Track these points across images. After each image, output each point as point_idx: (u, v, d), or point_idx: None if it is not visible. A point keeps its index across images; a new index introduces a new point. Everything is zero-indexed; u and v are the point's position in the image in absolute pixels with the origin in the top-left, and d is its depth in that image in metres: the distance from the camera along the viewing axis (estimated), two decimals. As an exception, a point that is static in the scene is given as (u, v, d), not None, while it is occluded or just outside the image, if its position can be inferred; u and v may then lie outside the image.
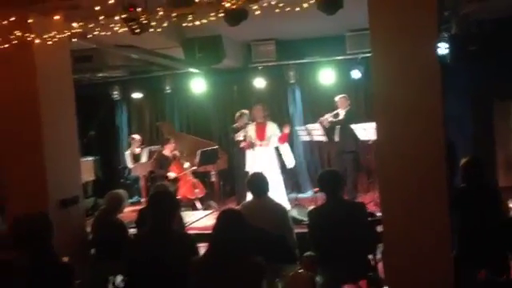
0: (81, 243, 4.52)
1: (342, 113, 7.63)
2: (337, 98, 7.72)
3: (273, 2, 3.40)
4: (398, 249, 3.51)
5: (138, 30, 4.02)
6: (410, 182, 3.43)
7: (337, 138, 7.57)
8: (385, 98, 3.47)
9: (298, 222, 5.11)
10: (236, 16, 4.03)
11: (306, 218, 5.49)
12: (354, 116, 7.65)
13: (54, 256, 2.74)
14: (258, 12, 3.53)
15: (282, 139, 7.10)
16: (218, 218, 2.66)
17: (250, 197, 6.44)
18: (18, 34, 4.03)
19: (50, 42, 4.01)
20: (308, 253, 2.97)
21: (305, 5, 3.46)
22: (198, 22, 3.74)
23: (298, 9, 3.57)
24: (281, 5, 3.48)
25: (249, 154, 7.20)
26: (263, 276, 2.62)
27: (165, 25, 3.84)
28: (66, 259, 3.18)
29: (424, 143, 3.38)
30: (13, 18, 4.08)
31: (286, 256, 3.62)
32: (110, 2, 3.82)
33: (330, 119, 7.48)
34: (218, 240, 2.59)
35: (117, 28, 3.98)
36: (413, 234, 3.46)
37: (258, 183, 4.06)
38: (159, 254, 2.80)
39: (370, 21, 3.45)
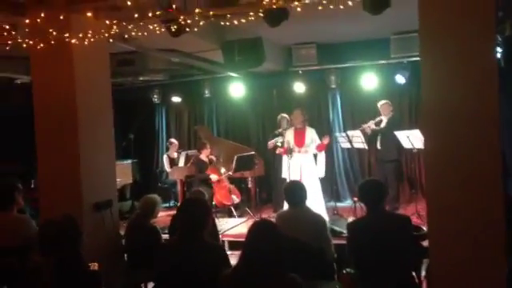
0: (114, 248, 4.46)
1: (384, 120, 7.34)
2: (379, 104, 7.43)
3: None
4: (445, 267, 3.22)
5: (176, 31, 3.93)
6: (462, 194, 3.13)
7: (378, 146, 7.27)
8: (435, 104, 3.19)
9: (336, 233, 4.87)
10: (276, 16, 3.88)
11: (345, 230, 5.29)
12: (398, 123, 7.38)
13: (82, 262, 2.64)
14: (299, 9, 3.31)
15: (320, 148, 6.87)
16: (250, 230, 2.48)
17: (286, 205, 6.39)
18: (57, 34, 4.01)
19: (86, 42, 3.97)
20: (348, 269, 2.73)
21: (350, 2, 3.23)
22: (236, 22, 3.58)
23: (341, 7, 3.34)
24: (324, 2, 3.26)
25: (285, 160, 7.01)
26: (299, 293, 2.42)
27: (201, 24, 3.71)
28: (95, 265, 3.09)
29: (478, 152, 3.09)
30: (52, 18, 4.08)
31: (324, 271, 3.40)
32: (148, 4, 3.76)
33: (373, 127, 7.19)
34: (250, 253, 2.41)
35: (153, 28, 3.88)
36: (463, 251, 3.16)
37: (295, 192, 3.86)
38: (186, 263, 2.65)
39: (420, 21, 3.19)
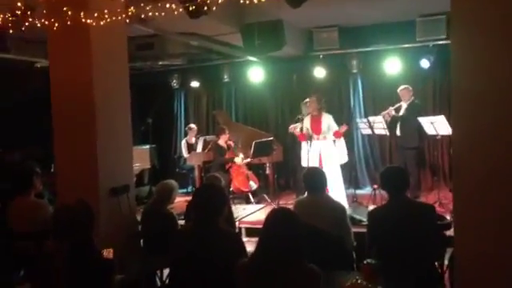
0: (130, 233, 4.43)
1: (404, 105, 7.14)
2: (399, 90, 7.22)
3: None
4: (470, 258, 3.06)
5: (194, 12, 3.82)
6: (489, 183, 2.96)
7: (398, 133, 7.07)
8: (465, 89, 3.00)
9: (356, 222, 4.76)
10: (297, -4, 3.72)
11: (364, 219, 5.18)
12: (418, 109, 7.17)
13: (94, 249, 2.59)
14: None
15: (337, 135, 6.72)
16: (268, 217, 2.38)
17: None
18: (73, 13, 3.94)
19: (102, 23, 3.88)
20: (368, 260, 2.62)
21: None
22: (256, 1, 3.43)
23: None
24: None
25: (305, 147, 6.88)
26: (318, 285, 2.32)
27: (220, 4, 3.58)
28: (110, 251, 3.05)
29: (507, 141, 2.90)
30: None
31: (344, 261, 3.30)
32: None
33: (392, 113, 7.00)
34: (268, 241, 2.32)
35: (170, 8, 3.77)
36: (489, 243, 3.00)
37: (315, 179, 3.75)
38: (201, 250, 2.58)
39: (452, 3, 3.00)
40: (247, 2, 3.44)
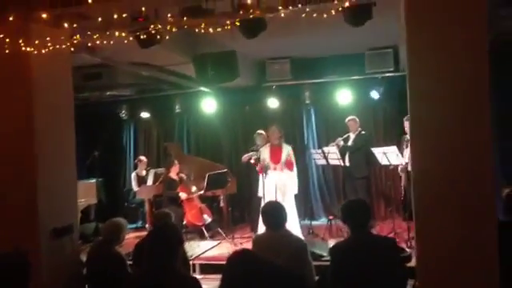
0: (74, 278, 4.04)
1: (351, 136, 7.27)
2: (346, 120, 7.38)
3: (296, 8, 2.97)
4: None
5: (145, 41, 3.65)
6: (453, 214, 2.94)
7: (347, 163, 7.13)
8: (423, 121, 3.00)
9: (316, 256, 4.61)
10: (253, 27, 3.64)
11: (325, 253, 5.08)
12: (367, 139, 7.35)
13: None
14: (282, 14, 3.09)
15: (288, 165, 6.65)
16: (229, 266, 2.17)
17: (261, 223, 6.12)
18: (14, 42, 3.65)
19: (44, 51, 3.61)
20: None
21: (333, 11, 3.03)
22: (211, 30, 3.32)
23: (325, 15, 3.13)
24: (307, 10, 3.06)
25: (261, 178, 6.76)
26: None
27: (173, 34, 3.45)
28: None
29: (470, 170, 2.90)
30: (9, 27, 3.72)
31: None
32: (116, 11, 3.46)
33: (341, 143, 7.08)
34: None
35: (119, 36, 3.58)
36: (454, 277, 2.95)
37: (275, 214, 3.58)
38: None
39: (408, 35, 3.03)
40: (202, 31, 3.28)
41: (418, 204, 3.08)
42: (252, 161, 6.83)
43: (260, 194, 6.80)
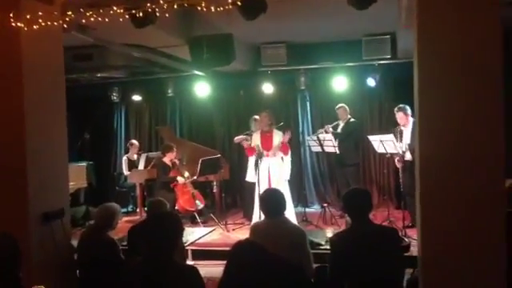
0: (65, 264, 3.93)
1: (341, 124, 7.26)
2: (336, 108, 7.37)
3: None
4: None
5: (141, 20, 3.49)
6: (459, 207, 2.87)
7: (337, 151, 7.07)
8: (431, 107, 2.90)
9: (314, 245, 4.55)
10: (254, 7, 3.50)
11: (322, 241, 5.03)
12: (356, 127, 7.35)
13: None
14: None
15: (284, 149, 6.55)
16: (234, 256, 2.08)
17: (256, 210, 6.08)
18: (4, 17, 3.47)
19: (35, 27, 3.44)
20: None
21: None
22: (213, 8, 3.17)
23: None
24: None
25: (251, 163, 6.67)
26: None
27: (169, 14, 3.29)
28: (41, 289, 2.61)
29: (479, 163, 2.82)
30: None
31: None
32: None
33: (330, 130, 7.03)
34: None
35: (114, 13, 3.42)
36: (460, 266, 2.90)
37: (274, 202, 3.50)
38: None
39: (418, 17, 2.91)
40: (204, 9, 3.13)
41: (422, 191, 3.00)
42: (244, 145, 6.74)
43: (248, 178, 6.74)
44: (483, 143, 2.76)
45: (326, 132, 7.04)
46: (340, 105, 7.34)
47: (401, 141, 6.12)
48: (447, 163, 2.85)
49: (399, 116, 6.26)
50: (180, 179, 7.08)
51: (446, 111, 2.84)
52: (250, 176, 6.79)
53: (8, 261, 2.12)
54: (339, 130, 7.20)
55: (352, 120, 7.31)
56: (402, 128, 6.20)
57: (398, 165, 6.12)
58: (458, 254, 2.85)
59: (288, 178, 6.80)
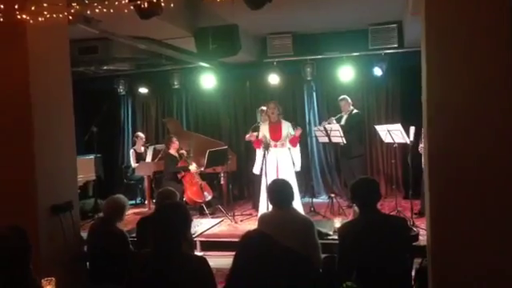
0: (75, 256, 3.96)
1: (344, 116, 7.25)
2: (339, 100, 7.37)
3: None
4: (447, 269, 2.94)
5: (146, 10, 3.47)
6: (470, 200, 2.84)
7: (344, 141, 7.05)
8: (441, 98, 2.87)
9: (322, 236, 4.55)
10: (259, -4, 3.47)
11: (330, 231, 5.03)
12: (360, 118, 7.35)
13: (32, 283, 2.17)
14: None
15: (293, 141, 6.54)
16: (243, 247, 2.08)
17: (263, 200, 6.08)
18: (9, 9, 3.47)
19: (41, 19, 3.44)
20: (348, 283, 2.40)
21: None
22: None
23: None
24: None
25: (259, 154, 6.65)
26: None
27: (174, 5, 3.26)
28: (51, 280, 2.64)
29: (489, 155, 2.78)
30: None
31: (313, 284, 3.05)
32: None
33: (334, 122, 7.05)
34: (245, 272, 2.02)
35: (119, 4, 3.40)
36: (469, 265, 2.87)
37: (283, 192, 3.49)
38: (163, 282, 2.23)
39: (426, 5, 2.87)
40: (202, 6, 3.11)
41: (431, 180, 2.98)
42: (252, 138, 6.72)
43: (255, 170, 6.71)
44: (493, 131, 2.72)
45: (329, 123, 6.99)
46: (342, 97, 7.31)
47: None
48: (456, 152, 2.82)
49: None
50: (192, 167, 7.09)
51: (455, 100, 2.81)
52: (257, 169, 6.76)
53: (18, 253, 2.14)
54: (342, 122, 7.15)
55: (355, 111, 7.28)
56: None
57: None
58: (467, 244, 2.83)
59: (299, 169, 6.78)
